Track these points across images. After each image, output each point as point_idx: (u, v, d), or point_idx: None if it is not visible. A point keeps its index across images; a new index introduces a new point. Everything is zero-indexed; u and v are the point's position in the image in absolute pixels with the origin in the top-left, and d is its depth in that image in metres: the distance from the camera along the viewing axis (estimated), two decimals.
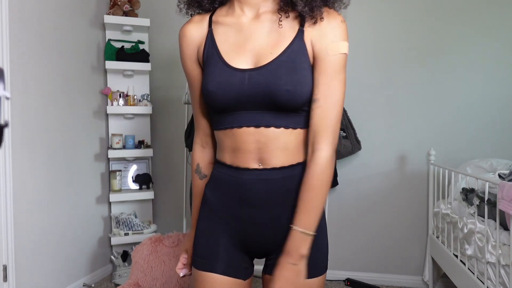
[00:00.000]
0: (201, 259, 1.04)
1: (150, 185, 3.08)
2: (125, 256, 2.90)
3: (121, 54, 2.93)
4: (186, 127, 2.75)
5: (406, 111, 2.91)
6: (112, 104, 2.94)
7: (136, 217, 2.97)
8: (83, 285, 2.77)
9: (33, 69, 2.36)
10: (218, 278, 1.01)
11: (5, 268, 2.13)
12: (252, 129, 0.96)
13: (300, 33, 0.94)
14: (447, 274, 2.39)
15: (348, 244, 2.97)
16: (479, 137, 2.82)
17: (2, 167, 2.12)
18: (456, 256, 2.20)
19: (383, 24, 2.92)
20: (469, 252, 1.99)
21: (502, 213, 1.74)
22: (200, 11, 1.07)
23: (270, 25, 0.97)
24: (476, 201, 1.94)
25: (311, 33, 0.94)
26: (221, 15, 1.02)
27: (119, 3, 2.93)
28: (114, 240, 2.86)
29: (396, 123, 2.92)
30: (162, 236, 2.29)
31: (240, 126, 0.96)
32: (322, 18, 0.94)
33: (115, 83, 3.04)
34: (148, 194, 3.01)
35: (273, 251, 1.03)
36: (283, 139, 0.96)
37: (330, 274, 2.92)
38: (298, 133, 0.98)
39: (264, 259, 1.09)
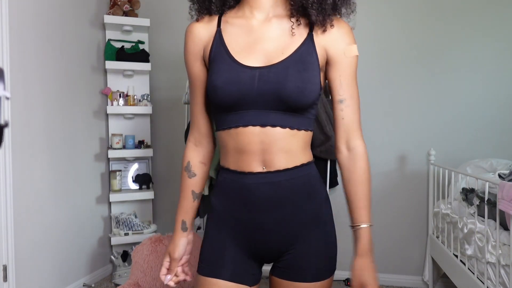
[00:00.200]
0: (206, 265, 1.03)
1: (150, 185, 3.08)
2: (125, 256, 2.90)
3: (121, 54, 2.93)
4: (186, 127, 2.75)
5: (406, 111, 2.91)
6: (112, 104, 2.94)
7: (136, 217, 2.97)
8: (83, 285, 2.77)
9: (33, 69, 2.36)
10: (223, 284, 1.00)
11: (5, 268, 2.12)
12: (257, 128, 0.95)
13: (309, 37, 0.98)
14: (447, 274, 2.39)
15: (348, 244, 2.96)
16: (479, 137, 2.82)
17: (2, 167, 2.12)
18: (456, 256, 2.20)
19: (383, 24, 2.92)
20: (469, 252, 1.99)
21: (502, 213, 1.74)
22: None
23: (280, 29, 0.99)
24: (476, 201, 1.94)
25: (322, 39, 0.98)
26: (230, 16, 1.03)
27: (119, 3, 2.93)
28: (114, 240, 2.86)
29: (396, 123, 2.92)
30: (162, 236, 2.29)
31: (246, 125, 0.96)
32: (333, 25, 0.98)
33: (115, 83, 3.03)
34: (148, 194, 3.01)
35: (282, 255, 1.02)
36: (287, 140, 0.96)
37: None
38: (302, 134, 0.98)
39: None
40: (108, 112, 2.93)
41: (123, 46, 2.97)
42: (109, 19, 2.89)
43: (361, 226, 0.99)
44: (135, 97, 3.00)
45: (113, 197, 2.91)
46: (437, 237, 2.60)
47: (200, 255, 1.06)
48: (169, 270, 1.08)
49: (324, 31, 0.98)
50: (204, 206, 2.61)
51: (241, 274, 1.02)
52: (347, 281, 2.86)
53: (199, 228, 2.91)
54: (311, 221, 1.02)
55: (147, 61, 3.00)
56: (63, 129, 2.62)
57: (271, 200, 0.98)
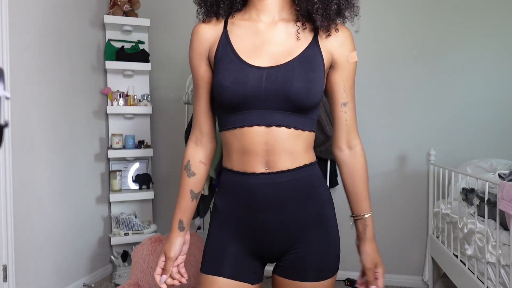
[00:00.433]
0: (208, 263, 1.04)
1: (150, 185, 3.08)
2: (125, 256, 2.90)
3: (121, 54, 2.93)
4: (186, 127, 2.75)
5: (406, 111, 2.91)
6: (112, 104, 2.94)
7: (136, 217, 2.97)
8: (83, 285, 2.77)
9: (33, 69, 2.36)
10: (225, 281, 1.01)
11: (5, 268, 2.13)
12: (262, 128, 0.96)
13: (315, 41, 1.00)
14: (447, 274, 2.39)
15: (348, 244, 2.96)
16: (479, 137, 2.82)
17: (2, 167, 2.12)
18: (456, 256, 2.20)
19: (383, 24, 2.92)
20: (469, 252, 1.99)
21: (502, 213, 1.74)
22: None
23: (286, 32, 1.01)
24: (476, 201, 1.94)
25: (327, 43, 1.01)
26: (237, 18, 1.05)
27: (119, 3, 2.93)
28: (114, 240, 2.86)
29: (396, 123, 2.92)
30: (162, 236, 2.29)
31: (251, 125, 0.96)
32: (337, 29, 1.02)
33: (115, 83, 3.04)
34: (148, 194, 3.01)
35: (284, 254, 1.03)
36: (291, 140, 0.97)
37: None
38: (306, 135, 1.00)
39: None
40: (108, 112, 2.93)
41: (123, 46, 2.97)
42: (109, 19, 2.89)
43: (366, 215, 1.09)
44: (135, 97, 3.00)
45: (113, 197, 2.91)
46: (437, 237, 2.60)
47: (204, 254, 1.07)
48: (164, 269, 1.06)
49: (329, 35, 1.01)
50: (204, 206, 2.61)
51: (242, 272, 1.02)
52: (347, 281, 2.86)
53: (199, 228, 2.91)
54: (313, 221, 1.03)
55: (147, 61, 3.00)
56: (63, 129, 2.62)
57: (274, 201, 0.99)
